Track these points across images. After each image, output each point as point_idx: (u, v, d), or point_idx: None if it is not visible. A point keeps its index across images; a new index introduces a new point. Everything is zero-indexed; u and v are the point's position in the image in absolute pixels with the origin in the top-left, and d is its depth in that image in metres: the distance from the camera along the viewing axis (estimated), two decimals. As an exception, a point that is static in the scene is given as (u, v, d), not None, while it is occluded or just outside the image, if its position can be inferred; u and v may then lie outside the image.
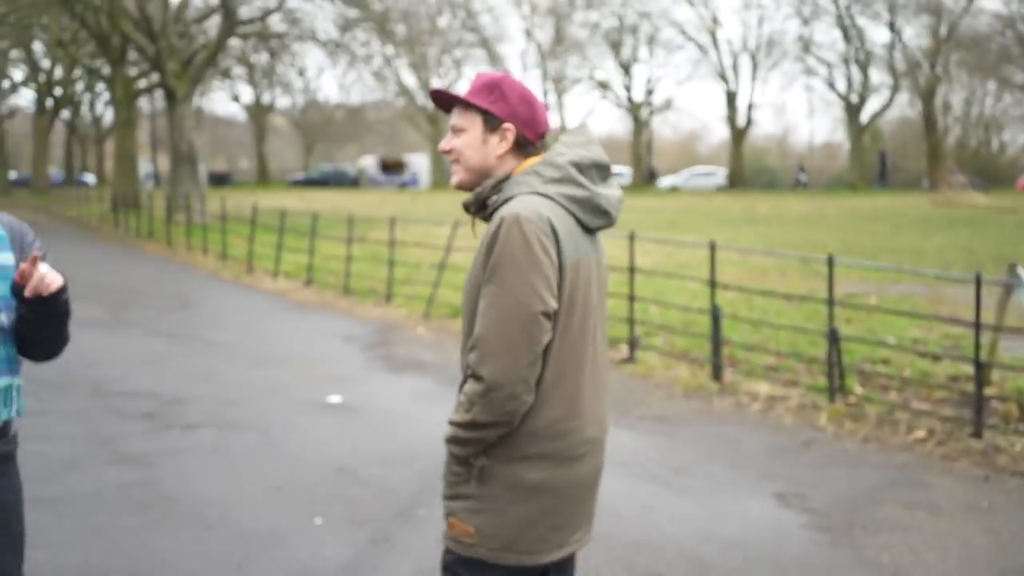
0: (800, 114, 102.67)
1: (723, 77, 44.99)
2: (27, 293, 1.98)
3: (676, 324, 9.27)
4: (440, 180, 49.90)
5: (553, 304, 1.93)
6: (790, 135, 57.72)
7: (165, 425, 5.54)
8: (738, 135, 45.73)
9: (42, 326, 2.07)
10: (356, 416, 5.91)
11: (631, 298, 8.19)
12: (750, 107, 45.67)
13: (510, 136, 2.06)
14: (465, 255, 13.63)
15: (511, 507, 1.98)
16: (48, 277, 1.98)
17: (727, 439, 5.57)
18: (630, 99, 46.64)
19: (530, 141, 2.09)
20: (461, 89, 2.74)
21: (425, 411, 6.03)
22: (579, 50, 46.27)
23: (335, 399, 6.33)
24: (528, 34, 48.02)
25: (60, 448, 4.97)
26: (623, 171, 49.39)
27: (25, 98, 46.39)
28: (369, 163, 51.38)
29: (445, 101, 2.17)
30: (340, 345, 8.51)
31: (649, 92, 46.46)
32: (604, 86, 47.07)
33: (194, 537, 3.87)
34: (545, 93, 48.02)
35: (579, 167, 2.05)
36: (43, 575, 3.41)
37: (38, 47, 36.68)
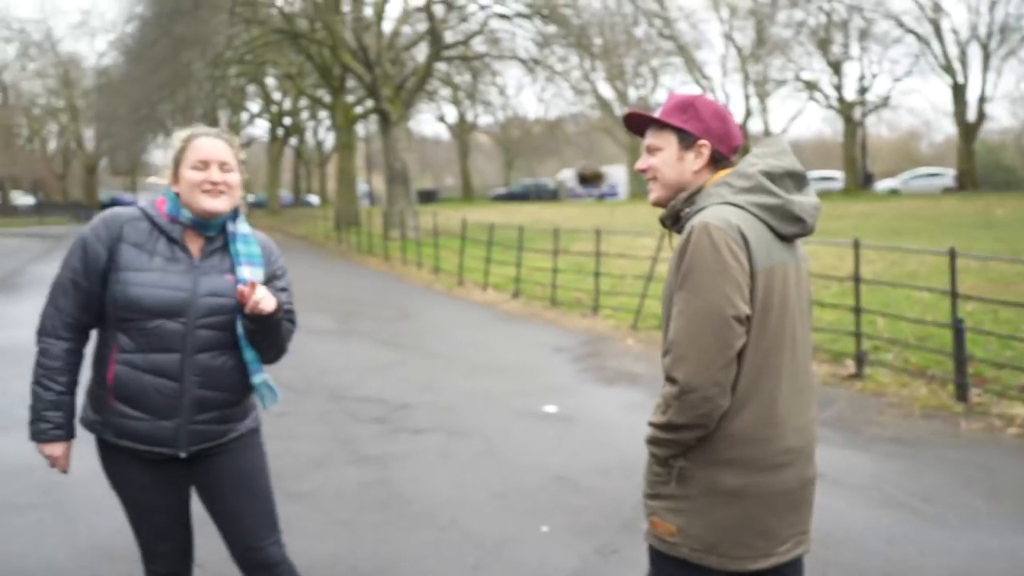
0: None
1: (948, 70, 41.21)
2: (245, 311, 2.36)
3: (908, 338, 8.55)
4: (638, 191, 49.53)
5: (745, 309, 1.97)
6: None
7: (395, 429, 5.87)
8: (968, 132, 41.65)
9: (259, 337, 2.43)
10: (572, 426, 5.96)
11: (857, 310, 7.67)
12: (981, 100, 41.44)
13: (705, 152, 2.15)
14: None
15: (710, 510, 2.02)
16: (263, 302, 2.34)
17: (980, 466, 5.05)
18: (841, 99, 43.88)
19: (724, 156, 2.16)
20: (656, 107, 2.72)
21: (639, 423, 5.94)
22: (783, 51, 44.21)
23: (550, 409, 6.43)
24: (728, 38, 46.65)
25: (306, 447, 5.42)
26: (834, 175, 46.57)
27: (260, 128, 51.45)
28: (568, 176, 52.06)
29: (638, 123, 2.26)
30: (551, 356, 8.64)
31: (862, 90, 43.49)
32: (811, 87, 44.67)
33: (430, 538, 4.06)
34: (747, 98, 46.38)
35: (770, 176, 2.10)
36: (301, 562, 3.71)
37: (270, 81, 40.61)
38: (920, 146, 60.22)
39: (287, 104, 44.20)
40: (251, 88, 39.97)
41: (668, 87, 53.24)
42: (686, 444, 2.02)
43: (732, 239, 1.99)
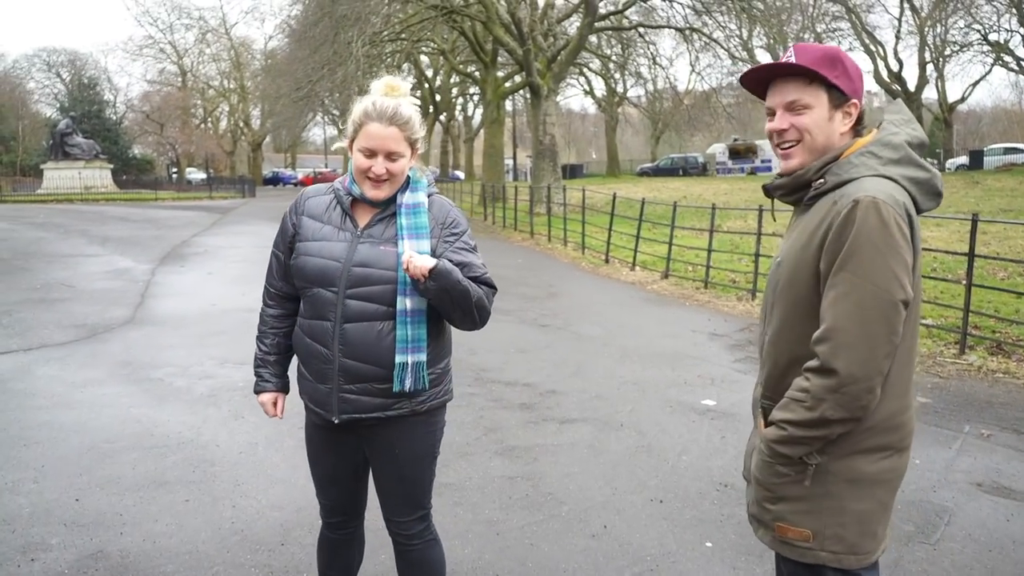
0: None
1: None
2: (406, 273, 2.34)
3: None
4: (794, 165, 46.96)
5: (911, 292, 1.85)
6: None
7: (542, 418, 5.56)
8: None
9: (438, 301, 2.35)
10: (733, 424, 5.43)
11: (1074, 303, 6.62)
12: None
13: (855, 113, 1.98)
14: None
15: (851, 504, 1.92)
16: (415, 263, 2.27)
17: None
18: (1033, 62, 39.56)
19: (863, 116, 2.00)
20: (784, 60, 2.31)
21: (813, 425, 5.35)
22: (968, 9, 40.27)
23: (709, 403, 5.92)
24: (904, -1, 42.97)
25: (450, 434, 5.17)
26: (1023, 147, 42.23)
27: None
28: (718, 150, 50.12)
29: (765, 77, 2.04)
30: (706, 342, 8.07)
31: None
32: (1000, 48, 40.50)
33: (581, 546, 3.70)
34: (923, 65, 42.70)
35: (912, 147, 1.97)
36: (443, 565, 3.48)
37: (423, 59, 41.30)
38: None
39: (438, 81, 44.87)
40: (405, 66, 40.79)
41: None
42: (830, 439, 1.89)
43: (900, 216, 1.84)
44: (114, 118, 58.57)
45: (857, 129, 2.01)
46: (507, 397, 6.05)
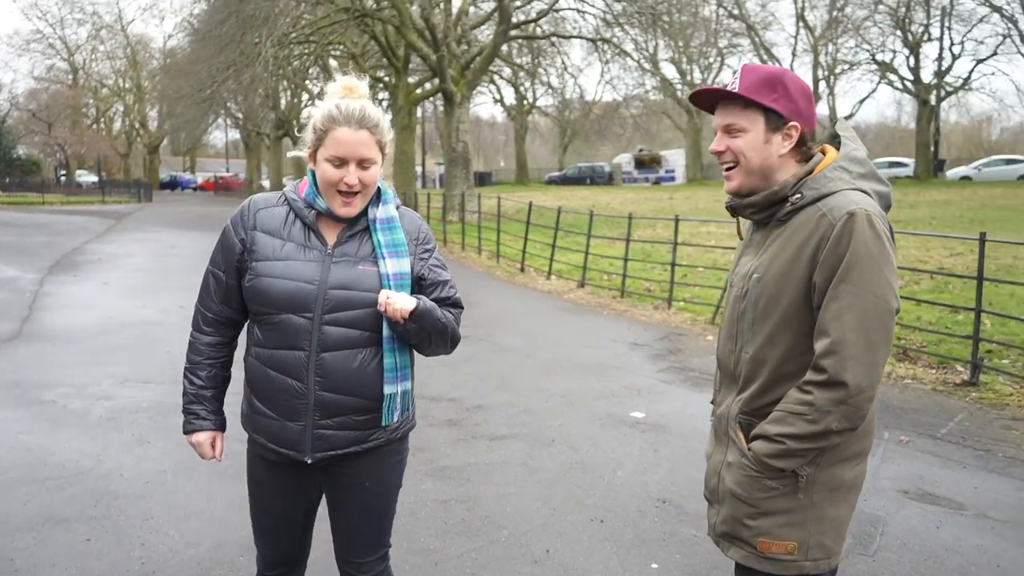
0: None
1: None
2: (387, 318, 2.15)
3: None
4: (696, 175, 48.38)
5: (899, 300, 1.89)
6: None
7: (471, 435, 5.37)
8: (1052, 117, 39.41)
9: (415, 337, 2.18)
10: (665, 437, 5.39)
11: (977, 311, 6.91)
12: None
13: (795, 135, 1.98)
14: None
15: (831, 510, 1.95)
16: (394, 306, 2.08)
17: None
18: (917, 81, 41.97)
19: (809, 137, 2.00)
20: (729, 84, 2.26)
21: (742, 436, 5.37)
22: (858, 31, 42.42)
23: (638, 415, 5.86)
24: (800, 17, 44.96)
25: (378, 454, 4.95)
26: (906, 161, 44.72)
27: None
28: (624, 160, 51.08)
29: (711, 99, 2.06)
30: (628, 352, 8.06)
31: (941, 73, 41.48)
32: (886, 68, 42.80)
33: (526, 572, 3.54)
34: (816, 81, 44.69)
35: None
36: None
37: (331, 62, 40.47)
38: (992, 132, 57.70)
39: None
40: (312, 69, 39.89)
41: (734, 69, 51.79)
42: (825, 450, 1.91)
43: (886, 227, 1.89)
44: (-4, 116, 55.06)
45: (803, 150, 2.02)
46: (433, 413, 5.84)
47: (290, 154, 2.36)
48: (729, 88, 2.00)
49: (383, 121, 2.15)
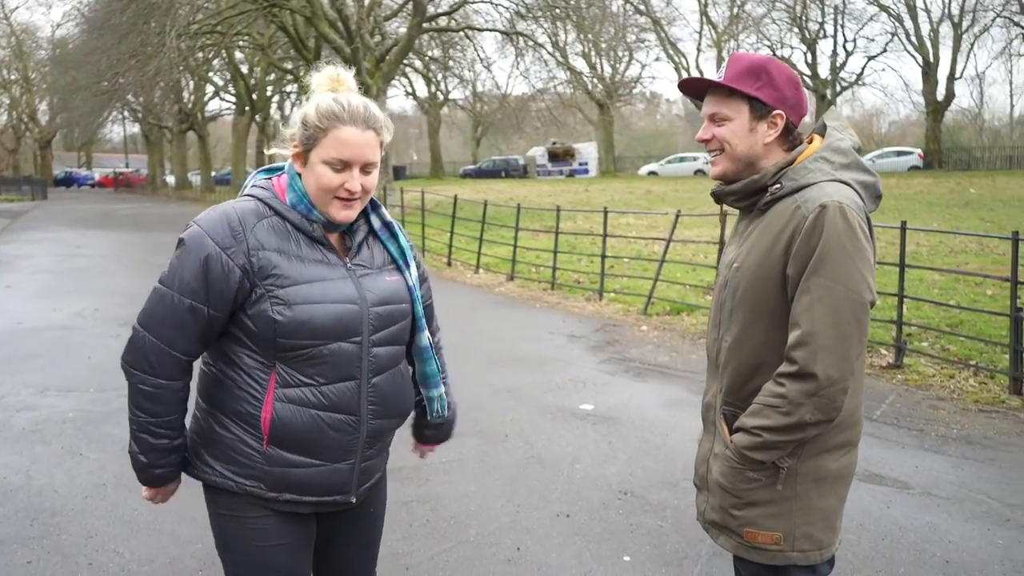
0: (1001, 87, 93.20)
1: (920, 49, 41.21)
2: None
3: (940, 324, 8.17)
4: (608, 168, 49.13)
5: (875, 293, 1.90)
6: (989, 110, 52.20)
7: (423, 433, 5.27)
8: (936, 111, 41.78)
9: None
10: (616, 428, 5.42)
11: (900, 297, 7.23)
12: (951, 79, 41.54)
13: (780, 123, 1.99)
14: (683, 248, 12.94)
15: (817, 502, 1.95)
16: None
17: (1083, 473, 4.61)
18: (814, 76, 43.73)
19: (795, 125, 2.01)
20: (715, 74, 1.94)
21: (691, 424, 5.45)
22: (757, 27, 43.90)
23: (587, 407, 5.88)
24: (703, 13, 46.18)
25: (330, 457, 4.80)
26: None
27: (225, 102, 49.90)
28: (538, 153, 51.40)
29: (699, 88, 2.08)
30: (566, 345, 8.09)
31: (836, 68, 43.35)
32: (785, 63, 44.40)
33: (499, 572, 3.49)
34: (721, 74, 45.93)
35: (857, 151, 2.02)
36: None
37: (237, 54, 39.18)
38: (881, 126, 60.76)
39: (254, 79, 42.76)
40: (217, 60, 38.54)
41: (641, 62, 52.75)
42: (804, 442, 1.91)
43: (861, 219, 1.89)
44: None
45: (789, 138, 2.03)
46: (381, 413, 5.70)
47: (270, 152, 1.98)
48: (715, 77, 2.02)
49: (386, 119, 1.94)
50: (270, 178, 1.96)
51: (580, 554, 3.65)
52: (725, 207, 2.30)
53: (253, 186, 1.95)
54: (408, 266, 2.03)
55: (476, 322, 9.25)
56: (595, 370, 7.04)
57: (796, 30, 42.98)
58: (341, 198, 1.86)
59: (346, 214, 1.89)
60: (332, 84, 1.93)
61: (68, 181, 62.94)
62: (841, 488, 2.01)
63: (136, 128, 60.19)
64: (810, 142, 2.05)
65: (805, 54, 43.83)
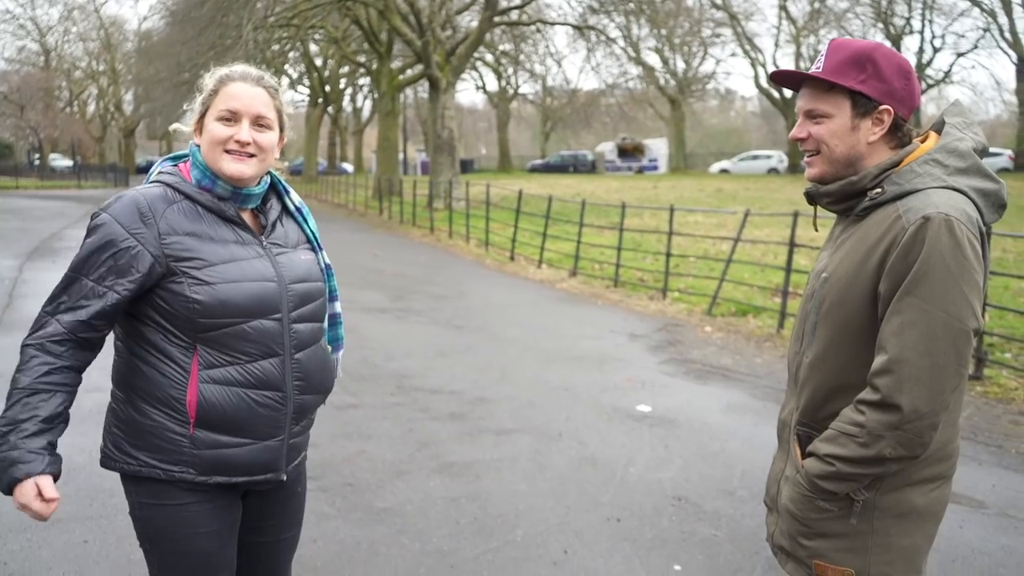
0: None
1: (1015, 45, 39.31)
2: None
3: (1025, 335, 7.74)
4: (679, 165, 48.42)
5: (982, 320, 1.71)
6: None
7: (476, 429, 5.22)
8: (1030, 110, 39.82)
9: None
10: (674, 431, 5.27)
11: (983, 305, 6.85)
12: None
13: (887, 120, 1.78)
14: (751, 248, 12.62)
15: (898, 540, 1.76)
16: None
17: None
18: (897, 74, 42.08)
19: (905, 121, 1.80)
20: (814, 64, 1.85)
21: (751, 431, 5.28)
22: (839, 23, 42.53)
23: (644, 408, 5.75)
24: (782, 8, 44.99)
25: (382, 450, 4.79)
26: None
27: (299, 94, 50.94)
28: (607, 148, 50.99)
29: (793, 79, 1.88)
30: (627, 344, 7.94)
31: (922, 66, 41.72)
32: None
33: (545, 575, 3.40)
34: (798, 71, 44.71)
35: (979, 154, 1.78)
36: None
37: (312, 46, 39.93)
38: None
39: (327, 71, 43.53)
40: (292, 53, 39.34)
41: (715, 58, 51.76)
42: (884, 476, 1.73)
43: (973, 235, 1.66)
44: (-34, 98, 53.88)
45: (898, 135, 1.82)
46: (435, 407, 5.68)
47: (173, 127, 2.09)
48: (813, 69, 1.82)
49: (283, 91, 1.99)
50: (176, 164, 1.97)
51: (629, 561, 3.55)
52: (819, 209, 2.05)
53: (160, 172, 1.94)
54: (321, 248, 2.08)
55: (536, 318, 9.17)
56: (655, 371, 6.89)
57: (880, 25, 41.46)
58: (231, 151, 1.86)
59: (237, 167, 1.87)
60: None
61: (148, 169, 65.25)
62: (929, 526, 1.80)
63: (215, 119, 61.89)
64: (923, 140, 1.83)
65: (889, 50, 42.23)
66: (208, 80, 1.91)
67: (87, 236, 1.84)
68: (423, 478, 4.38)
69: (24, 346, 1.81)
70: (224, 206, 1.88)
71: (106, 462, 1.95)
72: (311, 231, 2.06)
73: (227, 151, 1.86)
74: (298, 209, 2.07)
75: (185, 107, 43.00)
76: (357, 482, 4.29)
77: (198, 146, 1.91)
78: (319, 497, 4.03)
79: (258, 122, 1.88)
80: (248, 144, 1.86)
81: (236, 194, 1.90)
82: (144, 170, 65.52)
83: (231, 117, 1.86)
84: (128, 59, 56.57)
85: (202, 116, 1.90)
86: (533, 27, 28.12)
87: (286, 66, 41.51)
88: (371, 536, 3.71)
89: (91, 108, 65.69)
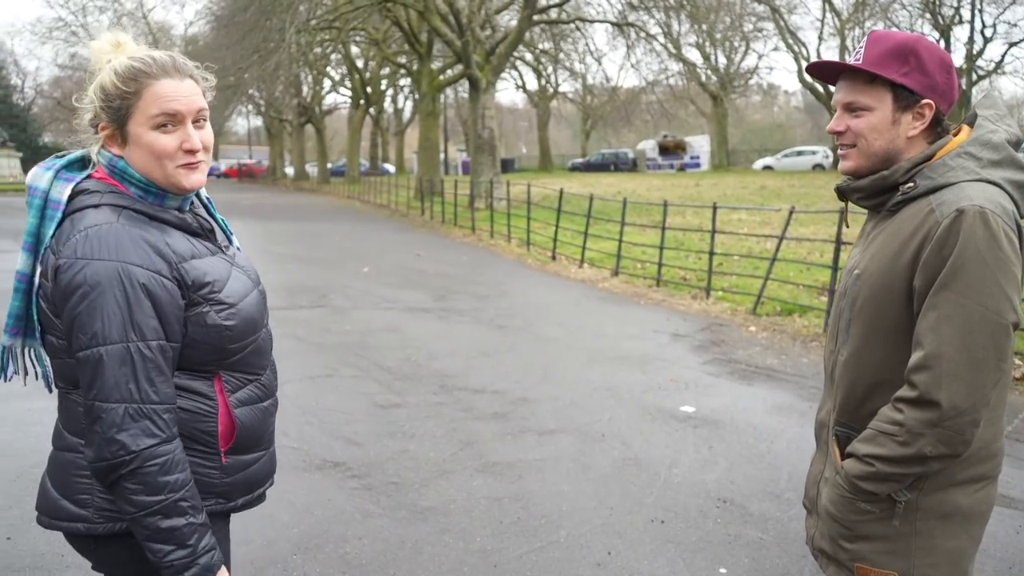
0: None
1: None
2: None
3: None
4: (721, 162, 47.87)
5: (1021, 313, 1.65)
6: None
7: (519, 429, 5.23)
8: (1087, 101, 38.55)
9: None
10: (718, 433, 5.22)
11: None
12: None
13: (928, 114, 1.75)
14: (797, 246, 12.44)
15: (943, 542, 1.72)
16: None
17: None
18: (947, 65, 41.10)
19: (944, 115, 1.77)
20: (853, 55, 1.81)
21: (797, 432, 5.20)
22: (885, 14, 41.64)
23: (688, 409, 5.70)
24: (826, 1, 44.20)
25: (426, 449, 4.83)
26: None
27: (341, 96, 51.55)
28: (648, 146, 50.63)
29: (831, 72, 1.83)
30: (669, 343, 7.88)
31: (972, 56, 40.65)
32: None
33: (589, 577, 3.40)
34: (844, 64, 43.91)
35: (1014, 146, 1.75)
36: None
37: (353, 48, 40.35)
38: (1022, 117, 56.70)
39: (368, 72, 43.95)
40: (334, 55, 39.79)
41: (758, 52, 51.06)
42: (926, 475, 1.69)
43: (1009, 228, 1.64)
44: (22, 104, 55.54)
45: (937, 129, 1.79)
46: (478, 406, 5.70)
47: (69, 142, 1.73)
48: (852, 61, 1.78)
49: (199, 68, 1.70)
50: (77, 180, 1.63)
51: (673, 563, 3.52)
52: (850, 205, 2.02)
53: (89, 193, 1.59)
54: (233, 234, 1.92)
55: (578, 318, 9.15)
56: (698, 371, 6.83)
57: (928, 16, 40.47)
58: (185, 164, 1.62)
59: (196, 178, 1.65)
60: (115, 48, 1.66)
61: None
62: (974, 528, 1.77)
63: (259, 121, 63.01)
64: (955, 134, 1.80)
65: (938, 41, 41.27)
66: (113, 80, 1.59)
67: (90, 298, 1.52)
68: (466, 477, 4.40)
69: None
70: (188, 218, 1.69)
71: (92, 529, 1.65)
72: (222, 221, 1.88)
73: (180, 165, 1.62)
74: (208, 200, 1.88)
75: (233, 108, 43.82)
76: (401, 481, 4.33)
77: (122, 158, 1.62)
78: (364, 495, 4.07)
79: (198, 121, 1.64)
80: (199, 151, 1.63)
81: (183, 202, 1.71)
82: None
83: (172, 123, 1.60)
84: (175, 64, 57.72)
85: (120, 123, 1.60)
86: (572, 25, 28.03)
87: (328, 68, 42.00)
88: (415, 534, 3.74)
89: (140, 112, 67.13)
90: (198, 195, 1.83)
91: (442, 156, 50.85)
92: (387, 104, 54.95)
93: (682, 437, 5.12)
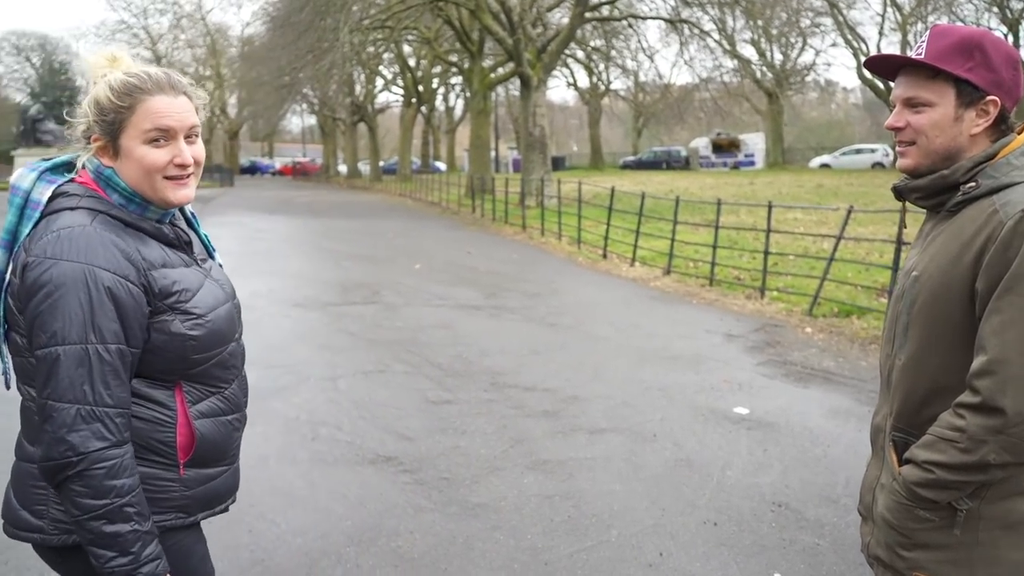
0: None
1: None
2: None
3: None
4: (776, 160, 47.06)
5: None
6: None
7: (570, 427, 5.22)
8: None
9: None
10: (772, 436, 5.14)
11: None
12: None
13: (993, 111, 1.68)
14: (855, 246, 12.17)
15: (1007, 553, 1.64)
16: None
17: None
18: (1014, 60, 39.76)
19: (1009, 113, 1.69)
20: (914, 49, 1.74)
21: (855, 436, 5.09)
22: (950, 8, 40.43)
23: (742, 411, 5.61)
24: (887, -5, 43.08)
25: (477, 445, 4.85)
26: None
27: (393, 94, 52.04)
28: (701, 144, 50.05)
29: (890, 66, 1.77)
30: (723, 344, 7.77)
31: (1041, 50, 39.21)
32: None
33: (641, 577, 3.38)
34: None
35: None
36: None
37: (405, 47, 40.73)
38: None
39: (420, 71, 44.31)
40: (387, 54, 40.23)
41: (815, 48, 50.06)
42: (989, 483, 1.62)
43: None
44: (87, 104, 57.36)
45: (1001, 127, 1.72)
46: (528, 404, 5.70)
47: (58, 152, 1.77)
48: (914, 55, 1.72)
49: (192, 84, 1.74)
50: (59, 183, 1.65)
51: (726, 566, 3.47)
52: (908, 205, 1.96)
53: (67, 195, 1.62)
54: (215, 250, 1.93)
55: (629, 317, 9.09)
56: (752, 372, 6.72)
57: (996, 10, 39.18)
58: (172, 177, 1.65)
59: (184, 193, 1.67)
60: (111, 64, 1.69)
61: (252, 169, 68.00)
62: None
63: (313, 120, 64.05)
64: (1020, 132, 1.73)
65: (1006, 36, 39.96)
66: (108, 94, 1.62)
67: (52, 298, 1.53)
68: (517, 475, 4.41)
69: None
70: (165, 229, 1.70)
71: (47, 540, 1.65)
72: (204, 236, 1.90)
73: (168, 178, 1.65)
74: (193, 214, 1.90)
75: (288, 107, 44.61)
76: (453, 477, 4.36)
77: (110, 168, 1.65)
78: (416, 490, 4.11)
79: (191, 135, 1.68)
80: (190, 166, 1.67)
81: (164, 215, 1.73)
82: (247, 170, 68.35)
83: (164, 139, 1.63)
84: (232, 64, 59.10)
85: (114, 136, 1.63)
86: (624, 22, 27.85)
87: (380, 67, 42.42)
88: (466, 530, 3.76)
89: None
90: (182, 210, 1.85)
91: (493, 154, 51.02)
92: (438, 102, 55.36)
93: (736, 439, 5.05)
